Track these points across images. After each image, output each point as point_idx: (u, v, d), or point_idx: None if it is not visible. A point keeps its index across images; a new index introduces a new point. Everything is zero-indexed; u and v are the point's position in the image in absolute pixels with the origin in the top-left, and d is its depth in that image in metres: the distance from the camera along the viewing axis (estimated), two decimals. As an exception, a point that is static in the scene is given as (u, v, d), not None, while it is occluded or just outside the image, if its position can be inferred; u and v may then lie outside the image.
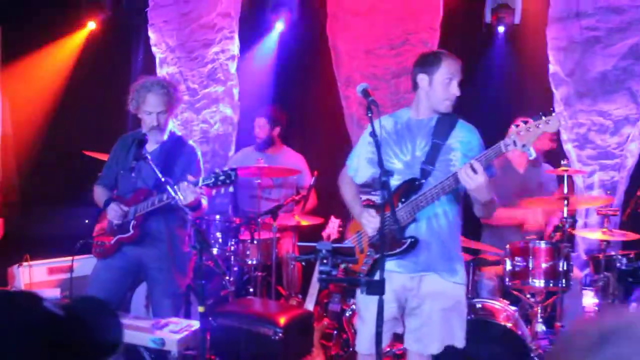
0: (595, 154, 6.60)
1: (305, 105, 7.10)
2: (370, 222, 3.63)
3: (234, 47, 7.51)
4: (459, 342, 3.78)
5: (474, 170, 3.33)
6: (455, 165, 3.63)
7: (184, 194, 3.92)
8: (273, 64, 7.35)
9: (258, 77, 7.42)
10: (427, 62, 3.70)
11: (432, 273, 3.67)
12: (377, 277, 3.14)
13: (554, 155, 5.69)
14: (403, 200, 3.59)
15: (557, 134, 6.05)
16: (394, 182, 3.67)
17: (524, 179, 5.49)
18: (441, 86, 3.63)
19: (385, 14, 7.00)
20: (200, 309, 3.52)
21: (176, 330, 3.87)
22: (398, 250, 3.56)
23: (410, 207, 3.57)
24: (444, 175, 3.57)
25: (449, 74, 3.64)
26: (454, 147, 3.67)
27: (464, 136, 3.71)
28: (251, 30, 7.43)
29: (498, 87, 6.61)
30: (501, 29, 6.61)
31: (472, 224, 5.53)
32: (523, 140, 3.31)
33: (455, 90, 3.64)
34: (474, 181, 3.34)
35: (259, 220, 5.63)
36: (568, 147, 6.61)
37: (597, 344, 0.96)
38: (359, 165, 3.89)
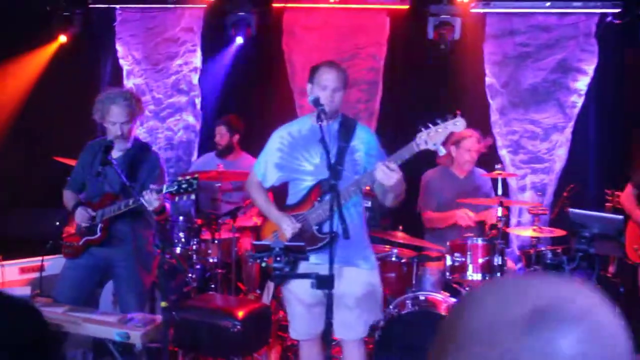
0: (527, 159, 6.75)
1: (262, 114, 7.11)
2: (289, 226, 3.70)
3: (197, 59, 7.50)
4: (377, 316, 3.96)
5: (391, 169, 3.41)
6: (360, 164, 3.74)
7: (149, 201, 3.94)
8: (233, 76, 7.35)
9: (219, 88, 7.42)
10: (311, 72, 3.82)
11: (349, 264, 3.75)
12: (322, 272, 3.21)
13: (491, 160, 5.78)
14: (319, 199, 3.66)
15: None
16: (308, 184, 3.75)
17: (462, 183, 5.58)
18: (321, 94, 3.67)
19: (337, 30, 7.06)
20: (163, 304, 3.52)
21: (140, 324, 3.86)
22: (319, 245, 3.63)
23: (328, 206, 3.61)
24: (352, 174, 3.67)
25: (322, 84, 3.70)
26: (358, 148, 3.77)
27: (364, 137, 3.81)
28: (213, 44, 7.41)
29: (439, 97, 6.70)
30: (442, 44, 6.68)
31: (416, 224, 5.64)
32: (433, 140, 3.38)
33: (327, 99, 3.65)
34: (392, 178, 3.40)
35: (219, 221, 5.64)
36: (503, 152, 6.75)
37: (526, 322, 0.87)
38: (267, 170, 3.94)
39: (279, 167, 3.89)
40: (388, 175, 3.41)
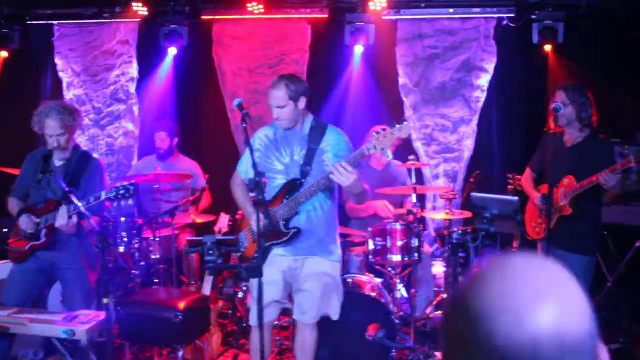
0: (439, 149, 6.84)
1: (197, 118, 7.02)
2: (256, 222, 3.70)
3: (133, 70, 7.33)
4: (335, 314, 3.92)
5: (346, 170, 3.42)
6: (328, 165, 3.77)
7: (60, 216, 3.95)
8: (168, 84, 7.21)
9: (155, 96, 7.27)
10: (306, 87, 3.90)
11: (313, 256, 3.82)
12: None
13: (407, 152, 5.82)
14: (287, 197, 3.72)
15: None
16: (280, 181, 3.80)
17: (381, 175, 5.62)
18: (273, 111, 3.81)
19: (263, 39, 7.01)
20: (105, 300, 3.43)
21: (85, 321, 3.75)
22: (285, 239, 3.67)
23: (293, 203, 3.69)
24: (319, 175, 3.69)
25: (270, 103, 3.82)
26: (326, 150, 3.81)
27: (333, 139, 3.84)
28: (148, 55, 7.26)
29: (358, 97, 6.74)
30: (359, 49, 6.72)
31: (342, 214, 5.65)
32: (382, 145, 3.44)
33: (274, 115, 3.81)
34: (348, 179, 3.45)
35: (159, 219, 5.54)
36: (417, 144, 6.83)
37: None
38: (247, 169, 3.98)
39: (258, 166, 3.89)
40: (343, 176, 3.45)
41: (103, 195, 3.87)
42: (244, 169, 4.02)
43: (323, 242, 3.86)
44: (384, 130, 3.45)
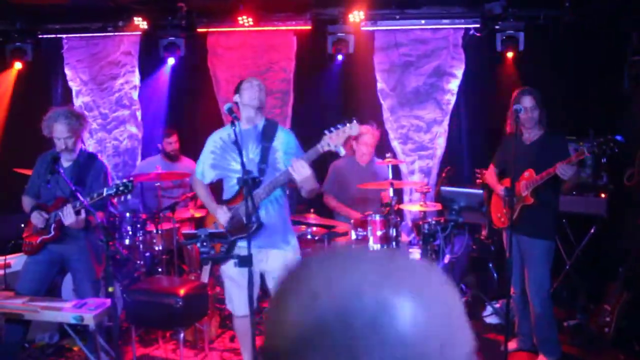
0: (415, 147, 6.85)
1: (194, 121, 6.98)
2: (222, 215, 3.70)
3: (135, 78, 7.28)
4: None
5: (302, 167, 3.41)
6: (280, 162, 3.74)
7: (66, 215, 3.92)
8: (167, 90, 7.19)
9: (156, 101, 7.24)
10: (237, 86, 3.88)
11: (273, 247, 3.78)
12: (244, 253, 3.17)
13: (386, 150, 5.81)
14: (246, 194, 3.61)
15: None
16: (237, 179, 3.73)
17: (364, 170, 5.62)
18: (245, 90, 3.78)
19: (253, 48, 7.00)
20: (110, 289, 3.40)
21: (92, 308, 3.73)
22: (246, 232, 3.61)
23: (255, 199, 3.62)
24: (273, 172, 3.67)
25: (248, 82, 3.81)
26: (278, 148, 3.78)
27: (283, 138, 3.82)
28: (149, 64, 7.22)
29: (338, 102, 6.73)
30: (340, 57, 6.71)
31: (325, 207, 5.65)
32: (334, 142, 3.40)
33: (254, 91, 3.78)
34: (303, 175, 3.44)
35: (161, 214, 5.51)
36: (394, 143, 6.83)
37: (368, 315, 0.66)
38: (204, 170, 3.95)
39: (213, 166, 3.90)
40: (300, 172, 3.44)
41: (104, 192, 3.85)
42: (200, 170, 3.97)
43: (280, 232, 3.82)
44: (335, 128, 3.43)
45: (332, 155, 5.62)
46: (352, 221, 4.97)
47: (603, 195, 5.49)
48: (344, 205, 5.47)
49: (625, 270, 4.75)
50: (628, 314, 4.62)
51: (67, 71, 7.36)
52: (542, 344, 4.35)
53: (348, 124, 3.40)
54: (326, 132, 3.42)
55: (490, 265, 5.80)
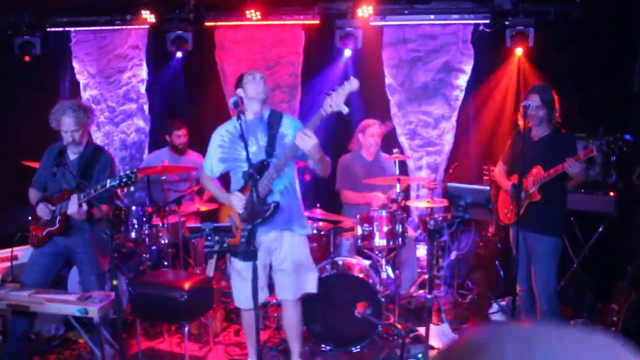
0: (422, 143, 6.82)
1: (200, 116, 6.97)
2: (238, 201, 3.69)
3: (143, 72, 7.28)
4: (313, 288, 3.98)
5: (307, 135, 3.41)
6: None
7: (71, 205, 3.93)
8: (175, 84, 7.18)
9: (163, 95, 7.24)
10: (238, 80, 3.89)
11: (290, 231, 3.82)
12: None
13: (394, 146, 5.79)
14: (258, 177, 3.61)
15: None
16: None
17: (370, 165, 5.60)
18: (249, 84, 3.78)
19: (261, 43, 6.98)
20: (114, 282, 3.40)
21: (97, 300, 3.73)
22: (266, 215, 3.63)
23: (266, 181, 3.65)
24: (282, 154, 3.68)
25: (250, 75, 3.81)
26: (286, 133, 3.80)
27: (290, 123, 3.86)
28: (156, 58, 7.22)
29: (348, 96, 6.67)
30: (348, 52, 6.68)
31: (331, 202, 5.64)
32: (336, 101, 3.35)
33: (258, 84, 3.77)
34: (309, 143, 3.45)
35: (167, 208, 5.51)
36: (402, 139, 6.81)
37: None
38: (213, 164, 3.97)
39: (222, 160, 3.92)
40: (305, 141, 3.44)
41: (108, 183, 3.83)
42: (209, 165, 3.99)
43: (296, 216, 3.85)
44: (334, 90, 3.39)
45: (339, 150, 5.67)
46: (358, 216, 4.95)
47: (612, 194, 5.45)
48: (363, 193, 5.43)
49: (634, 269, 4.71)
50: (636, 313, 4.58)
51: (75, 64, 7.37)
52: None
53: (346, 82, 3.38)
54: (326, 95, 3.40)
55: (497, 262, 5.78)
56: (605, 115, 5.69)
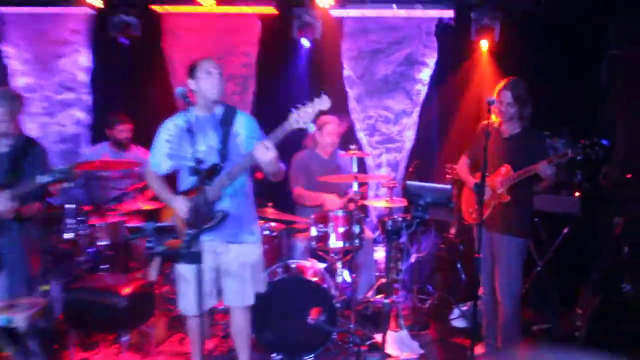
0: (382, 140, 6.81)
1: (147, 108, 6.77)
2: (182, 205, 3.57)
3: (84, 59, 7.05)
4: (262, 288, 3.92)
5: (267, 148, 3.31)
6: (242, 147, 3.67)
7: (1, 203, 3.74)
8: (119, 73, 6.97)
9: (107, 85, 7.02)
10: (190, 70, 3.74)
11: (237, 240, 3.74)
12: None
13: (351, 142, 5.75)
14: (208, 182, 3.50)
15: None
16: None
17: (327, 163, 5.53)
18: (204, 80, 3.64)
19: (213, 30, 6.85)
20: (45, 287, 3.24)
21: (24, 308, 3.55)
22: (212, 223, 3.51)
23: (217, 187, 3.54)
24: (235, 157, 3.60)
25: (205, 71, 3.66)
26: (239, 132, 3.71)
27: (244, 122, 3.75)
28: (99, 44, 7.00)
29: (304, 88, 6.63)
30: (306, 42, 6.61)
31: (284, 201, 5.55)
32: (304, 118, 3.29)
33: (215, 82, 3.65)
34: (267, 156, 3.36)
35: (107, 206, 5.33)
36: (361, 135, 6.78)
37: None
38: (160, 160, 3.82)
39: (170, 156, 3.77)
40: (264, 153, 3.35)
41: (41, 180, 3.65)
42: (155, 161, 3.84)
43: (246, 223, 3.78)
44: (303, 104, 3.32)
45: (293, 147, 5.58)
46: (312, 217, 4.87)
47: (577, 194, 5.51)
48: (318, 193, 5.36)
49: (598, 272, 4.77)
50: (600, 318, 4.63)
51: (8, 49, 7.07)
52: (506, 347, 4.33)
53: (317, 99, 3.30)
54: (293, 109, 3.31)
55: (459, 265, 5.79)
56: (571, 113, 5.76)
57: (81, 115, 7.12)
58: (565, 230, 5.50)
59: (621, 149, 5.58)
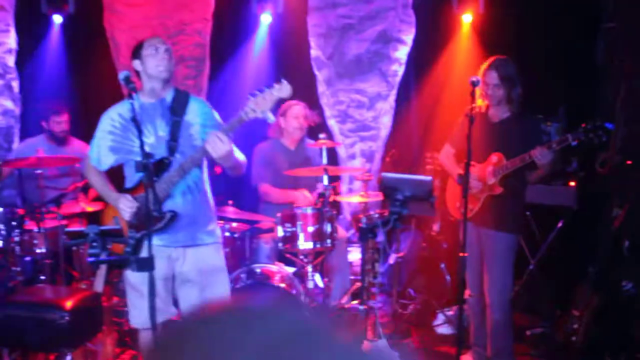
0: (355, 127, 6.87)
1: (88, 95, 6.74)
2: (127, 206, 3.57)
3: (11, 40, 6.95)
4: (225, 293, 3.90)
5: (220, 140, 3.34)
6: (197, 137, 3.66)
7: None
8: (54, 56, 6.91)
9: (39, 70, 6.96)
10: (135, 49, 3.73)
11: (193, 244, 3.71)
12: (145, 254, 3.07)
13: (320, 131, 5.80)
14: (155, 179, 3.47)
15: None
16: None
17: (294, 155, 5.57)
18: (150, 57, 3.62)
19: (160, 6, 6.83)
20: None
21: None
22: (160, 225, 3.50)
23: (165, 184, 3.53)
24: (188, 150, 3.59)
25: (152, 47, 3.64)
26: (193, 122, 3.69)
27: (198, 109, 3.73)
28: (29, 23, 6.92)
29: (265, 71, 6.65)
30: (266, 17, 6.63)
31: (250, 198, 5.58)
32: (261, 107, 3.32)
33: (164, 58, 3.63)
34: (222, 149, 3.36)
35: (44, 209, 5.30)
36: (331, 122, 6.83)
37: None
38: (101, 154, 3.79)
39: (113, 150, 3.74)
40: (217, 146, 3.35)
41: None
42: (95, 154, 3.80)
43: (203, 222, 3.76)
44: (261, 91, 3.35)
45: (258, 137, 5.61)
46: (278, 215, 4.92)
47: (572, 184, 5.61)
48: (286, 189, 5.40)
49: (596, 270, 4.88)
50: (598, 320, 4.75)
51: None
52: (498, 356, 4.41)
53: (276, 85, 3.34)
54: (250, 96, 3.34)
55: (443, 265, 5.88)
56: (565, 93, 5.87)
57: (9, 104, 7.03)
58: (560, 225, 5.62)
59: (620, 133, 5.70)
